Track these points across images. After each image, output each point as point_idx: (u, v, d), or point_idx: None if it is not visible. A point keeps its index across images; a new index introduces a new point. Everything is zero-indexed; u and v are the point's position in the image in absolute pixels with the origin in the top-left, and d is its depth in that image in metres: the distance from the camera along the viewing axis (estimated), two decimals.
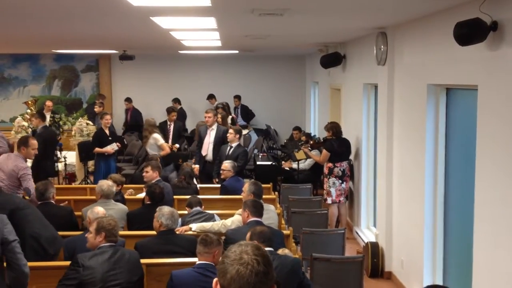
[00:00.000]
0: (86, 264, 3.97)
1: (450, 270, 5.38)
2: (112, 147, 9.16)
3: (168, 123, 10.07)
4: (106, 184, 5.88)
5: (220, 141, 8.76)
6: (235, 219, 5.44)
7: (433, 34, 5.29)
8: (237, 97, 14.02)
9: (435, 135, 5.43)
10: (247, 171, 9.87)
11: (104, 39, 8.66)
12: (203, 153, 8.83)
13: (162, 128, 10.10)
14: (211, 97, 13.88)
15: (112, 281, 4.02)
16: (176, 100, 13.68)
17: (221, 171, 7.59)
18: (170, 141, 9.88)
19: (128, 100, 13.64)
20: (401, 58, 6.25)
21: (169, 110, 10.51)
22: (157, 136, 9.12)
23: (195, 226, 5.44)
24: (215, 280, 1.75)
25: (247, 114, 13.91)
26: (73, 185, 10.00)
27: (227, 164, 7.43)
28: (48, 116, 11.96)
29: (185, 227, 5.41)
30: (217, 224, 5.47)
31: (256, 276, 1.67)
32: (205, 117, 8.89)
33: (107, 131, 9.35)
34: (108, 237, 4.19)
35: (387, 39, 6.53)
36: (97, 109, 12.10)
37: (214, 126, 8.88)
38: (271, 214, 5.74)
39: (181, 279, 4.02)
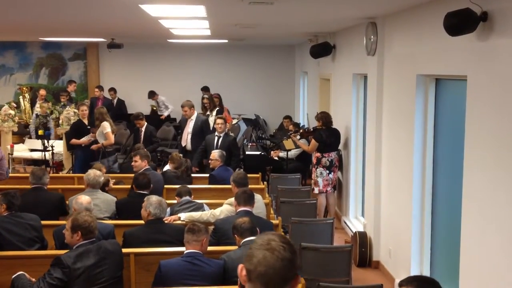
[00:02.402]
0: (72, 266, 3.86)
1: (438, 260, 5.42)
2: (88, 138, 9.03)
3: (140, 129, 9.44)
4: (92, 173, 5.82)
5: (199, 130, 8.82)
6: (224, 209, 5.43)
7: (423, 25, 5.29)
8: (205, 89, 13.85)
9: (424, 125, 5.45)
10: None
11: (92, 26, 8.58)
12: (183, 143, 8.96)
13: (135, 135, 9.61)
14: (152, 94, 13.64)
15: (98, 279, 3.96)
16: (112, 89, 13.50)
17: (209, 161, 7.60)
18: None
19: (100, 88, 13.29)
20: (391, 48, 6.26)
21: (135, 118, 9.68)
22: (106, 124, 8.88)
23: (183, 216, 5.42)
24: (240, 265, 1.79)
25: (215, 106, 13.71)
26: (60, 174, 9.94)
27: (215, 154, 7.42)
28: (39, 105, 11.80)
29: (173, 217, 5.39)
30: (206, 214, 5.46)
31: (282, 261, 1.73)
32: (182, 111, 8.95)
33: (85, 121, 9.28)
34: (85, 235, 4.02)
35: (377, 29, 6.53)
36: (63, 99, 11.96)
37: (193, 117, 8.92)
38: (258, 204, 5.74)
39: (170, 268, 4.02)
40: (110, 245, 4.17)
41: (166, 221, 5.14)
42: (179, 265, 4.04)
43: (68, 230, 4.07)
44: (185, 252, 4.14)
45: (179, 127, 11.29)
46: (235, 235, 4.24)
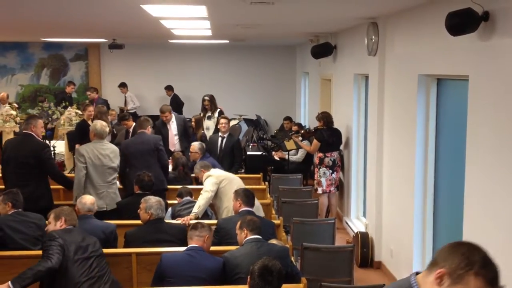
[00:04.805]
0: (62, 237, 4.08)
1: None
2: None
3: (128, 130, 9.21)
4: (99, 123, 6.16)
5: (183, 130, 8.77)
6: (210, 183, 5.75)
7: (424, 25, 5.29)
8: (169, 88, 13.85)
9: (426, 125, 5.45)
10: None
11: (94, 27, 8.58)
12: (171, 148, 8.74)
13: (125, 136, 9.42)
14: (123, 85, 13.82)
15: (87, 251, 4.16)
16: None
17: (189, 153, 7.64)
18: None
19: (94, 90, 13.20)
20: (392, 48, 6.25)
21: (121, 118, 9.57)
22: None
23: (195, 211, 5.56)
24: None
25: (178, 105, 13.63)
26: None
27: (195, 146, 7.39)
28: (5, 108, 11.61)
29: (190, 216, 5.47)
30: (205, 195, 5.66)
31: None
32: (163, 117, 8.79)
33: (90, 122, 9.25)
34: (69, 221, 4.30)
35: (378, 29, 6.53)
36: (42, 101, 11.96)
37: (173, 119, 8.84)
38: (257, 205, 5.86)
39: (170, 260, 4.11)
40: (86, 230, 4.47)
41: (183, 222, 5.24)
42: (179, 257, 4.15)
43: (51, 221, 4.35)
44: (188, 246, 4.23)
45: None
46: (244, 229, 4.25)
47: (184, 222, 5.26)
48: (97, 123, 6.19)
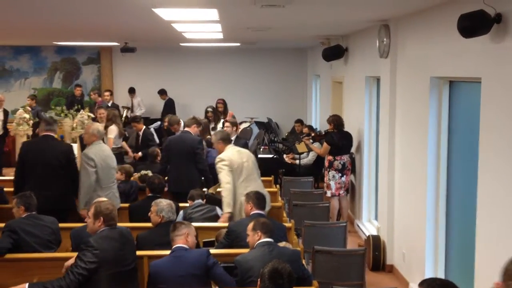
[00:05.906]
0: (101, 247, 3.98)
1: (452, 263, 5.38)
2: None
3: (138, 132, 9.30)
4: (101, 127, 6.34)
5: None
6: (224, 172, 5.75)
7: (436, 27, 5.27)
8: (162, 92, 13.84)
9: (438, 128, 5.42)
10: None
11: (106, 30, 8.64)
12: None
13: (134, 138, 9.55)
14: (131, 91, 13.84)
15: (124, 261, 4.10)
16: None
17: None
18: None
19: (98, 93, 13.47)
20: (404, 50, 6.23)
21: (132, 120, 9.74)
22: (111, 129, 8.81)
23: (226, 210, 5.68)
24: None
25: (171, 110, 13.45)
26: None
27: None
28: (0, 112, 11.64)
29: (225, 215, 5.62)
30: (227, 188, 5.69)
31: None
32: (172, 128, 8.60)
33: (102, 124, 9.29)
34: (107, 222, 4.19)
35: (389, 31, 6.51)
36: (29, 101, 12.01)
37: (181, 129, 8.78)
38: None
39: (158, 267, 4.13)
40: (127, 232, 4.36)
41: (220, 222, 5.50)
42: (167, 261, 4.16)
43: (90, 217, 4.22)
44: (172, 248, 4.25)
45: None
46: (258, 231, 4.25)
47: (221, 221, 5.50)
48: (98, 125, 6.31)
